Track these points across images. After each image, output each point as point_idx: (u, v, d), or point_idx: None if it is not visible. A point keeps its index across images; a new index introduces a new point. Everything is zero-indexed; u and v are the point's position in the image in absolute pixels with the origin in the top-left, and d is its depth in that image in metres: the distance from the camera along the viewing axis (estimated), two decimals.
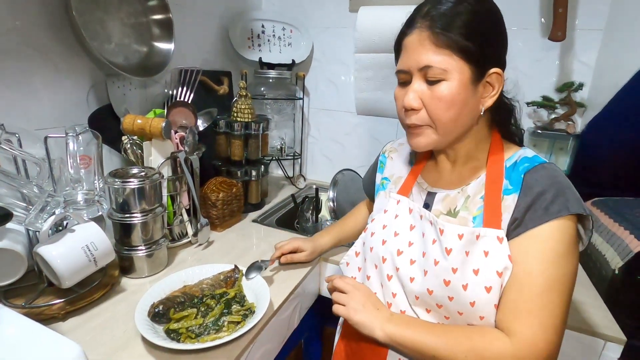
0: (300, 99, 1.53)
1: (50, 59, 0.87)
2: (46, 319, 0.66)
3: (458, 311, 0.57)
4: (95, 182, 0.83)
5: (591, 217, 0.55)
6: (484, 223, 0.58)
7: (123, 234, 0.82)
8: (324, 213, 1.36)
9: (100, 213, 0.82)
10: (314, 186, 1.43)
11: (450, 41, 0.55)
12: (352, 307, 0.63)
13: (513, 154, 0.62)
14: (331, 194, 1.25)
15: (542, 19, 1.14)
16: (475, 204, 0.60)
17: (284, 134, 1.54)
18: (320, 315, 1.05)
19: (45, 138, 0.75)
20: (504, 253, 0.55)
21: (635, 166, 1.13)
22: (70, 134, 0.77)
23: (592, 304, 0.81)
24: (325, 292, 0.98)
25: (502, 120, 0.65)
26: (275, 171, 1.69)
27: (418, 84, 0.59)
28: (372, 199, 0.83)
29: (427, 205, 0.66)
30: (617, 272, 0.90)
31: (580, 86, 1.13)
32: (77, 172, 0.79)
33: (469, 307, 0.55)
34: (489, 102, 0.59)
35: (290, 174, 1.61)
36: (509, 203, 0.57)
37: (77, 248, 0.69)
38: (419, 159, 0.74)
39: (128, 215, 0.81)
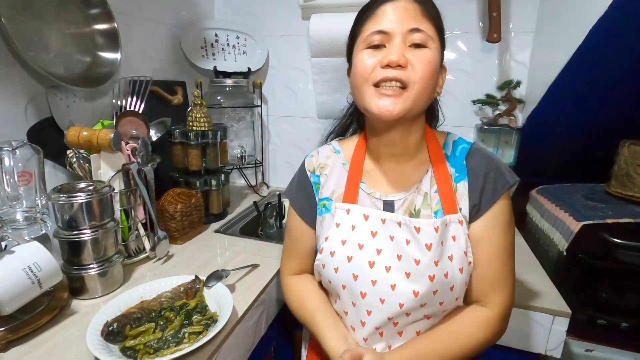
0: (258, 106, 1.52)
1: None
2: None
3: (439, 302, 0.60)
4: (36, 199, 0.77)
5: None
6: (445, 212, 0.62)
7: (72, 252, 0.77)
8: None
9: (43, 232, 0.77)
10: (277, 193, 1.43)
11: (435, 15, 0.61)
12: None
13: (445, 141, 0.68)
14: None
15: (480, 23, 1.23)
16: (433, 199, 0.63)
17: (244, 143, 1.53)
18: (291, 321, 1.03)
19: None
20: (465, 234, 0.61)
21: (570, 155, 1.23)
22: (5, 149, 0.72)
23: (542, 284, 0.87)
24: None
25: (431, 111, 0.73)
26: (238, 180, 1.67)
27: (402, 45, 0.58)
28: (314, 227, 0.74)
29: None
30: (564, 252, 0.96)
31: (518, 84, 1.22)
32: (15, 190, 0.74)
33: (449, 292, 0.60)
34: (440, 90, 0.65)
35: (253, 183, 1.59)
36: (462, 190, 0.63)
37: (18, 270, 0.64)
38: (354, 164, 0.70)
39: (76, 232, 0.76)
